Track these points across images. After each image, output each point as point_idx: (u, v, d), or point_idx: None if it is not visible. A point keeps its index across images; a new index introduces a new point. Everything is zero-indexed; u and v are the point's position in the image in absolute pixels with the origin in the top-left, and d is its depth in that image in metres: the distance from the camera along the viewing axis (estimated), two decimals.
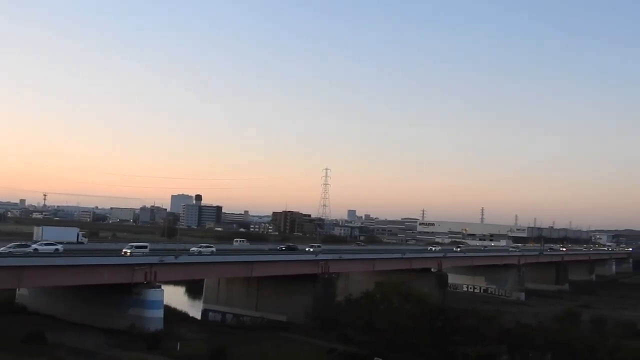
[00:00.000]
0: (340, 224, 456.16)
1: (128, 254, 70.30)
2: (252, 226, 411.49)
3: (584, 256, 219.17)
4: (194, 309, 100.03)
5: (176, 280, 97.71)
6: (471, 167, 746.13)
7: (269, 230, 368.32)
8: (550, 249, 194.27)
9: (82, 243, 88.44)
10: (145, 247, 74.13)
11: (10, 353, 52.08)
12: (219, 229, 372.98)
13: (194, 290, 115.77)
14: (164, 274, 71.87)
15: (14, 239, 77.87)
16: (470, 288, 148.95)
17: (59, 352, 53.99)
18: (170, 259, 71.95)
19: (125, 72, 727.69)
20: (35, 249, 66.26)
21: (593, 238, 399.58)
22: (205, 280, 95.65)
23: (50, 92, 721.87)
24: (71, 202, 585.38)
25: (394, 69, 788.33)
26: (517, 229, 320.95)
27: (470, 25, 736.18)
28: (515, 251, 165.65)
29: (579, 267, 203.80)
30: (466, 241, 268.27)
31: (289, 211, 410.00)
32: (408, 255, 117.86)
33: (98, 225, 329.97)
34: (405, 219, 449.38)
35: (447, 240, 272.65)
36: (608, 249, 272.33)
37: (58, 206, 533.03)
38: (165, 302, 73.06)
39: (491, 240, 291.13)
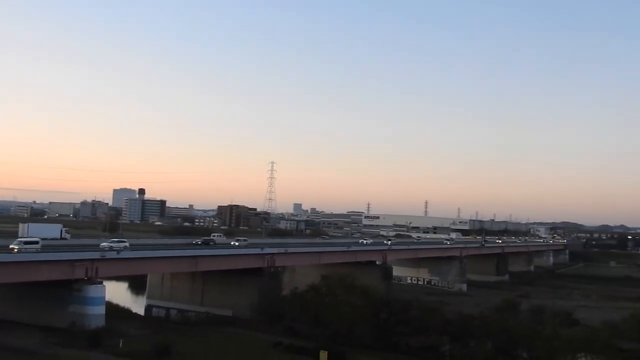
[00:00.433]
0: (287, 217, 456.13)
1: (15, 250, 63.35)
2: (197, 220, 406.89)
3: (523, 248, 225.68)
4: (137, 305, 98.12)
5: (119, 276, 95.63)
6: (415, 161, 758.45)
7: (215, 225, 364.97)
8: (485, 241, 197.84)
9: (66, 239, 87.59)
10: (37, 242, 67.20)
11: None
12: (158, 223, 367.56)
13: (137, 285, 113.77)
14: (106, 269, 70.23)
15: None
16: (414, 280, 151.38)
17: None
18: (112, 255, 70.39)
19: (62, 61, 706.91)
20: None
21: (532, 230, 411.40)
22: (148, 275, 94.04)
23: None
24: (7, 196, 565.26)
25: (340, 63, 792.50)
26: (459, 222, 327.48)
27: (409, 14, 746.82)
28: (450, 243, 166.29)
29: (518, 258, 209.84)
30: (410, 234, 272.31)
31: (234, 205, 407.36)
32: (353, 248, 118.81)
33: (36, 221, 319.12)
34: (350, 212, 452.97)
35: (392, 233, 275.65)
36: (543, 240, 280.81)
37: None
38: (107, 299, 71.48)
39: (434, 232, 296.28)
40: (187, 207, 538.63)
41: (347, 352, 58.75)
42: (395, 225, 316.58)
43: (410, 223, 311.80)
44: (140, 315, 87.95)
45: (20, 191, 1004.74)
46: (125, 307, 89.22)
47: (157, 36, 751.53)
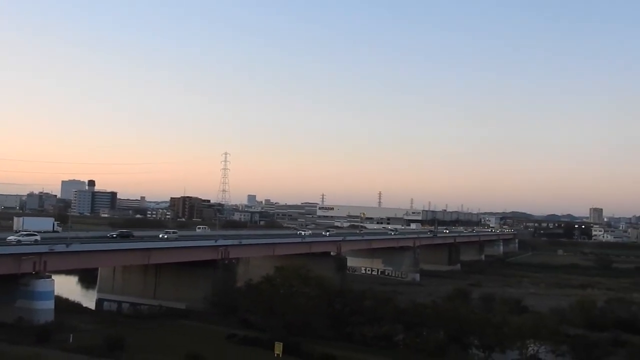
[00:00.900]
0: (241, 209, 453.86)
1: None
2: (149, 212, 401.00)
3: (475, 237, 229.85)
4: (88, 299, 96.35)
5: (68, 269, 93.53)
6: (369, 152, 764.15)
7: (167, 217, 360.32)
8: (431, 231, 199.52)
9: (57, 232, 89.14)
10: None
11: None
12: (105, 215, 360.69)
13: (87, 279, 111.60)
14: (55, 263, 68.59)
15: None
16: (369, 270, 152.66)
17: None
18: (61, 248, 68.60)
19: (7, 50, 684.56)
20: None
21: (483, 220, 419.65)
22: (99, 269, 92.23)
23: None
24: None
25: (296, 55, 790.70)
26: (412, 213, 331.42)
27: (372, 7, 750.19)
28: (394, 234, 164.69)
29: (470, 248, 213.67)
30: (364, 225, 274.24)
31: (187, 197, 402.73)
32: (308, 239, 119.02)
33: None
34: (305, 203, 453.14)
35: (346, 224, 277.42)
36: (491, 230, 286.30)
37: None
38: (56, 293, 69.89)
39: (388, 223, 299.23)
40: (139, 199, 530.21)
41: (302, 342, 58.93)
42: (350, 216, 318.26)
43: (364, 214, 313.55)
44: (91, 309, 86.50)
45: None
46: (76, 302, 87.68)
47: (106, 25, 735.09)
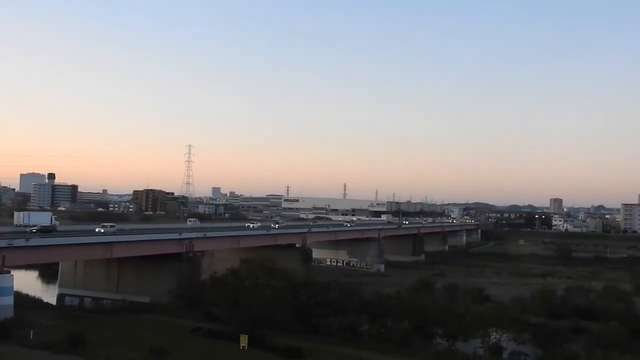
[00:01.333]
0: (205, 201, 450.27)
1: None
2: (111, 206, 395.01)
3: (438, 228, 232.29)
4: (49, 295, 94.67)
5: (28, 264, 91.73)
6: (333, 143, 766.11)
7: (130, 210, 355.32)
8: (389, 223, 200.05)
9: (55, 225, 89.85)
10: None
11: None
12: (62, 208, 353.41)
13: (48, 274, 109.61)
14: (14, 258, 67.01)
15: None
16: (334, 262, 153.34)
17: None
18: (20, 242, 67.11)
19: None
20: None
21: (446, 211, 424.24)
22: (60, 263, 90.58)
23: None
24: None
25: (260, 47, 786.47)
26: (377, 204, 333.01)
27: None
28: (350, 225, 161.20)
29: (433, 238, 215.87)
30: (330, 216, 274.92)
31: (150, 189, 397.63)
32: (273, 231, 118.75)
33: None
34: (270, 195, 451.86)
35: (311, 216, 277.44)
36: (452, 221, 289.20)
37: None
38: (15, 288, 68.35)
39: (353, 214, 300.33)
40: (101, 192, 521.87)
41: (267, 335, 58.96)
42: (315, 208, 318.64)
43: (329, 206, 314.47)
44: (52, 305, 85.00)
45: None
46: (36, 297, 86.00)
47: (64, 13, 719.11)
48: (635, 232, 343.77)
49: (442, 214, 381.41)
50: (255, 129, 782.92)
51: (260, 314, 61.41)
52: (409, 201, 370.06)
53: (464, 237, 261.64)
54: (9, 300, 64.30)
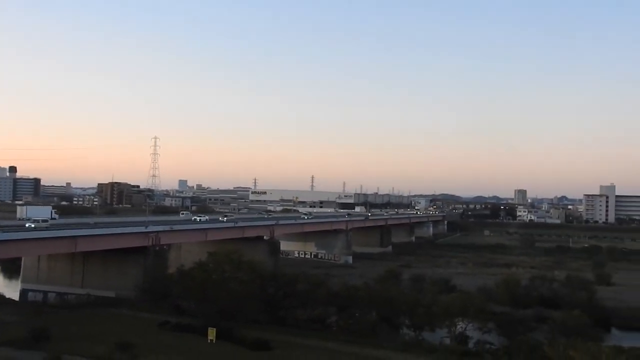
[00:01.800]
0: (171, 194, 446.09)
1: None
2: (75, 199, 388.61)
3: (405, 220, 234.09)
4: (11, 290, 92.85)
5: None
6: (301, 135, 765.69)
7: (95, 203, 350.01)
8: (349, 214, 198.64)
9: (55, 219, 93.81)
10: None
11: None
12: (19, 202, 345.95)
13: (10, 269, 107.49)
14: None
15: None
16: (302, 254, 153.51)
17: None
18: None
19: None
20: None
21: (413, 202, 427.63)
22: (23, 258, 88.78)
23: None
24: None
25: (225, 39, 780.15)
26: (345, 196, 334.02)
27: None
28: (308, 218, 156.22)
29: (400, 230, 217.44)
30: (297, 208, 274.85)
31: (115, 182, 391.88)
32: (240, 223, 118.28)
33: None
34: (237, 188, 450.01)
35: (279, 208, 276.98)
36: (415, 212, 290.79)
37: None
38: None
39: (321, 206, 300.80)
40: (65, 185, 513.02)
41: (235, 327, 58.82)
42: (283, 200, 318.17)
43: (296, 198, 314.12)
44: (14, 300, 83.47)
45: None
46: None
47: (29, 8, 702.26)
48: (597, 222, 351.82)
49: (409, 205, 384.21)
50: (222, 121, 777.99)
51: (228, 307, 61.20)
52: (377, 193, 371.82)
53: (431, 228, 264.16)
54: None
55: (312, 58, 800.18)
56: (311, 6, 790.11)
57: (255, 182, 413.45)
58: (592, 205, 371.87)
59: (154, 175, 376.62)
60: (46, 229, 77.80)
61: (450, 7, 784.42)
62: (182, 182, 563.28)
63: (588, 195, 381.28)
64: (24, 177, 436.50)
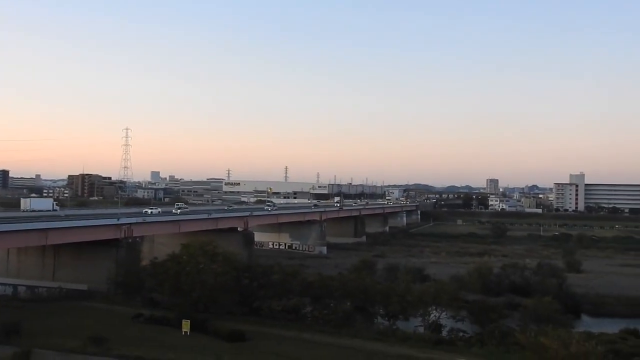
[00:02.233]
0: (144, 186, 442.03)
1: None
2: (45, 191, 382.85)
3: (379, 210, 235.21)
4: None
5: None
6: (274, 126, 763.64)
7: (65, 195, 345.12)
8: (315, 205, 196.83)
9: (56, 210, 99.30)
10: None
11: None
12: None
13: None
14: None
15: None
16: (276, 245, 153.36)
17: None
18: None
19: None
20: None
21: (387, 193, 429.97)
22: None
23: None
24: None
25: (200, 27, 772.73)
26: (319, 187, 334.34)
27: None
28: (271, 209, 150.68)
29: (374, 220, 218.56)
30: (271, 199, 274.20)
31: (86, 174, 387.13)
32: (214, 215, 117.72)
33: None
34: (210, 179, 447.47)
35: (252, 199, 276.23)
36: (386, 202, 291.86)
37: None
38: None
39: (295, 197, 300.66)
40: (34, 177, 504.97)
41: (209, 319, 58.60)
42: (256, 191, 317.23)
43: (270, 189, 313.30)
44: None
45: None
46: None
47: None
48: (567, 210, 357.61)
49: (382, 195, 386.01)
50: (195, 111, 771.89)
51: (202, 299, 60.95)
52: (350, 183, 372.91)
53: (404, 218, 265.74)
54: None
55: (281, 47, 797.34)
56: None
57: (228, 173, 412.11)
58: (562, 193, 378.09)
59: (125, 167, 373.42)
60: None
61: None
62: (155, 174, 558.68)
63: (558, 184, 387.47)
64: None
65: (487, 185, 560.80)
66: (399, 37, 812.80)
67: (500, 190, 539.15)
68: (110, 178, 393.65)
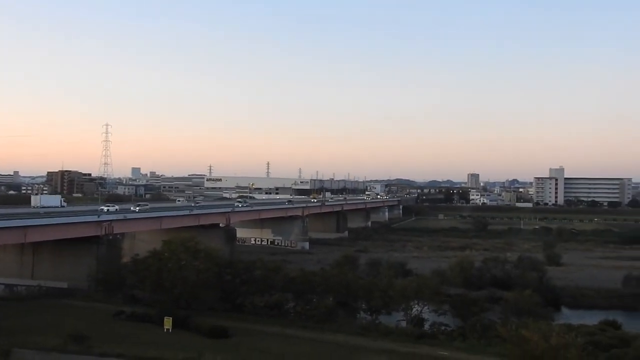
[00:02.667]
0: (125, 182, 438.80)
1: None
2: (24, 188, 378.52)
3: (361, 205, 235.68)
4: None
5: None
6: (256, 121, 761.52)
7: (44, 192, 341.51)
8: (289, 202, 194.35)
9: (64, 206, 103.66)
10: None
11: None
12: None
13: None
14: None
15: None
16: (259, 241, 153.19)
17: None
18: None
19: None
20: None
21: (369, 188, 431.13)
22: None
23: None
24: None
25: (181, 21, 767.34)
26: (301, 182, 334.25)
27: None
28: (242, 205, 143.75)
29: (356, 215, 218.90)
30: (253, 195, 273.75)
31: (66, 170, 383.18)
32: (196, 211, 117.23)
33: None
34: (192, 175, 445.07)
35: (234, 195, 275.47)
36: (365, 197, 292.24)
37: None
38: None
39: (277, 193, 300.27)
40: (12, 173, 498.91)
41: (191, 316, 58.33)
42: (238, 187, 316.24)
43: (252, 185, 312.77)
44: None
45: None
46: None
47: None
48: (547, 204, 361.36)
49: (364, 190, 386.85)
50: (175, 107, 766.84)
51: (184, 296, 60.70)
52: (332, 179, 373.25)
53: (386, 213, 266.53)
54: None
55: (264, 41, 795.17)
56: None
57: (210, 169, 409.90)
58: (542, 187, 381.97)
59: (106, 163, 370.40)
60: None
61: None
62: (136, 170, 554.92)
63: (538, 178, 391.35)
64: None
65: (468, 179, 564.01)
66: (378, 33, 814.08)
67: (481, 184, 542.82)
68: (90, 174, 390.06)
